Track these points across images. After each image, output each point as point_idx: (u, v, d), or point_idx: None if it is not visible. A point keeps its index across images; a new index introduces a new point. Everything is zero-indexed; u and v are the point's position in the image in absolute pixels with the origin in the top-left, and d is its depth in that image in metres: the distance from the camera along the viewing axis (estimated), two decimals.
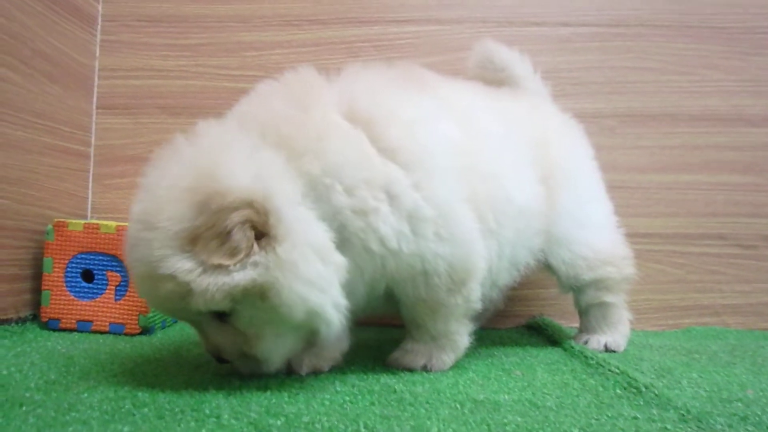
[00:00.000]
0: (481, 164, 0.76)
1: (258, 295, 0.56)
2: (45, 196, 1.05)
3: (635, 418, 0.55)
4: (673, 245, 1.23)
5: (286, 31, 1.26)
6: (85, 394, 0.57)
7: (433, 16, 1.25)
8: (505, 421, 0.53)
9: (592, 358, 0.80)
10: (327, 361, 0.72)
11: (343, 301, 0.60)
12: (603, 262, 0.90)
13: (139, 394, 0.58)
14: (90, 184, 1.24)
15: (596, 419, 0.54)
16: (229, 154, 0.59)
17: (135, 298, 0.97)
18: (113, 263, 0.98)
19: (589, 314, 0.94)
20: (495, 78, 1.05)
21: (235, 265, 0.55)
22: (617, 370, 0.72)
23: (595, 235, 0.91)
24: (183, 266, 0.54)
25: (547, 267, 0.92)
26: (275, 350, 0.62)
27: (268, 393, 0.61)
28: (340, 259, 0.60)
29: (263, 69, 1.26)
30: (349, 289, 0.63)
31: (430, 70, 0.87)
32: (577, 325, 1.03)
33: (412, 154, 0.66)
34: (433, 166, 0.67)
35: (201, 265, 0.55)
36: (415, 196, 0.65)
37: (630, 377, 0.68)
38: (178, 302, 0.56)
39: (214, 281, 0.55)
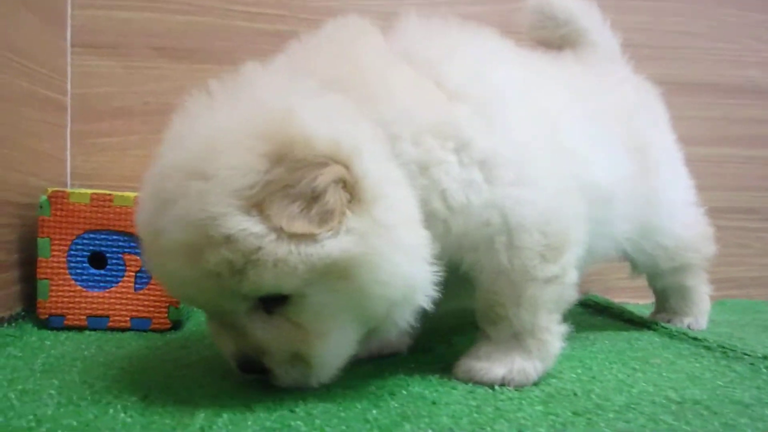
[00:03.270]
0: (557, 135, 0.63)
1: (340, 273, 0.45)
2: (25, 158, 0.82)
3: None
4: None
5: None
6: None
7: None
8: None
9: (704, 340, 0.75)
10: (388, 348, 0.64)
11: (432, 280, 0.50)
12: (684, 249, 0.84)
13: (176, 413, 0.44)
14: (68, 144, 1.00)
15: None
16: (298, 98, 0.47)
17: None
18: (132, 244, 0.79)
19: (668, 296, 0.90)
20: (555, 36, 0.93)
21: (326, 233, 0.43)
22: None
23: (678, 221, 0.84)
24: (251, 228, 0.42)
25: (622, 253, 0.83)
26: (335, 352, 0.50)
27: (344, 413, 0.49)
28: (424, 231, 0.50)
29: (286, 7, 1.06)
30: None
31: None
32: (624, 299, 1.00)
33: (481, 93, 0.56)
34: (506, 106, 0.57)
35: (274, 231, 0.42)
36: (490, 138, 0.54)
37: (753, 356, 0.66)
38: (222, 280, 0.43)
39: (297, 251, 0.43)
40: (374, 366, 0.62)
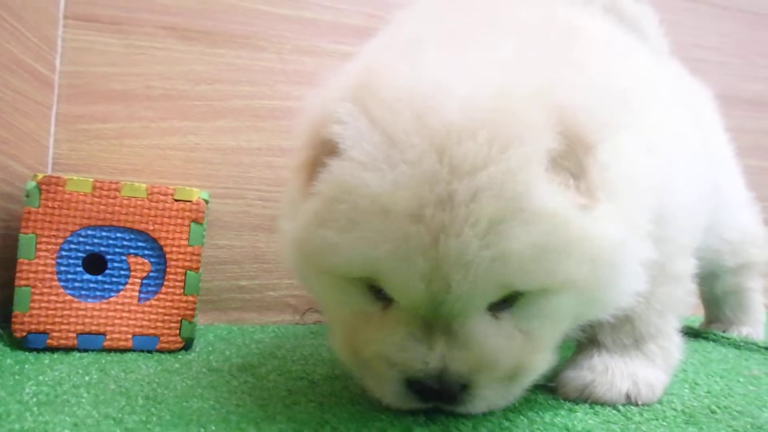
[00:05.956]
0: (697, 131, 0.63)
1: (602, 259, 0.41)
2: (6, 136, 0.67)
3: None
4: None
5: None
6: None
7: None
8: None
9: None
10: None
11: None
12: (749, 245, 0.83)
13: None
14: (52, 128, 0.85)
15: None
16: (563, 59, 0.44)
17: (173, 296, 0.65)
18: (140, 244, 0.65)
19: (723, 303, 0.87)
20: None
21: (596, 210, 0.40)
22: None
23: (741, 215, 0.84)
24: (558, 203, 0.38)
25: None
26: (547, 364, 0.44)
27: None
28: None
29: None
30: None
31: None
32: None
33: (639, 79, 0.55)
34: (660, 93, 0.57)
35: (572, 206, 0.39)
36: (655, 119, 0.52)
37: None
38: (501, 267, 0.37)
39: (583, 228, 0.39)
40: None
